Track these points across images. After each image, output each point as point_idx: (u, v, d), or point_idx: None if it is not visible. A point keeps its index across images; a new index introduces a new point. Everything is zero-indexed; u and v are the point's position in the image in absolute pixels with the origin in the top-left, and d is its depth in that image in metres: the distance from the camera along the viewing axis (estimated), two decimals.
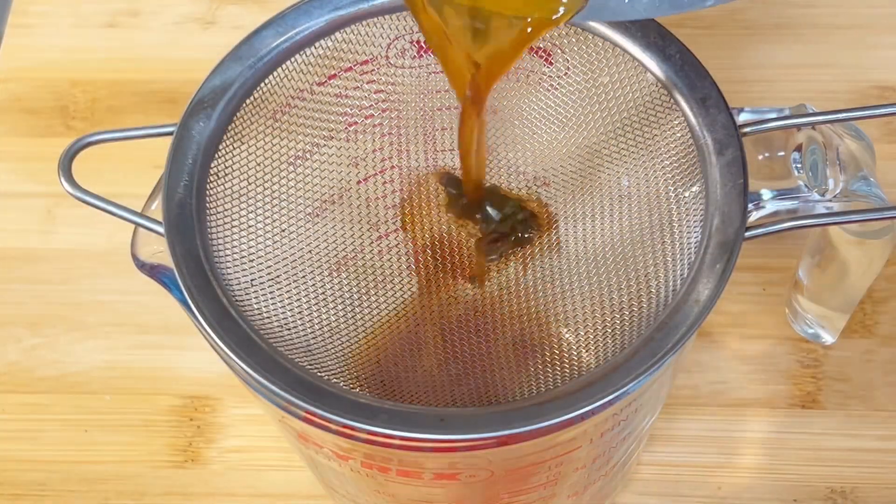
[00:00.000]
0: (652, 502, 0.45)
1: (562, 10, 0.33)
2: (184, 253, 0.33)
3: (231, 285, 0.33)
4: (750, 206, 0.33)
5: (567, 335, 0.37)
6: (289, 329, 0.35)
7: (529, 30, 0.33)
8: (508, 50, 0.34)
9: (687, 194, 0.35)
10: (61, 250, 0.52)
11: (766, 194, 0.35)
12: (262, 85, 0.36)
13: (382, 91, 0.39)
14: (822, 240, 0.41)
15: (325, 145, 0.39)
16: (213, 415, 0.48)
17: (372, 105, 0.39)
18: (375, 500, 0.38)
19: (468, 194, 0.40)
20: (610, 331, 0.36)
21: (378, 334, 0.38)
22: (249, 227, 0.36)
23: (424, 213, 0.40)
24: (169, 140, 0.35)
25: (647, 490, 0.46)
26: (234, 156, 0.36)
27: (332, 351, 0.36)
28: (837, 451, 0.46)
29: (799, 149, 0.36)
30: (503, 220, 0.40)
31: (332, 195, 0.39)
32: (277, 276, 0.36)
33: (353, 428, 0.30)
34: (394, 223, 0.40)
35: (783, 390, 0.47)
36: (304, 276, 0.37)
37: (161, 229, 0.33)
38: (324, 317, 0.37)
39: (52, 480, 0.47)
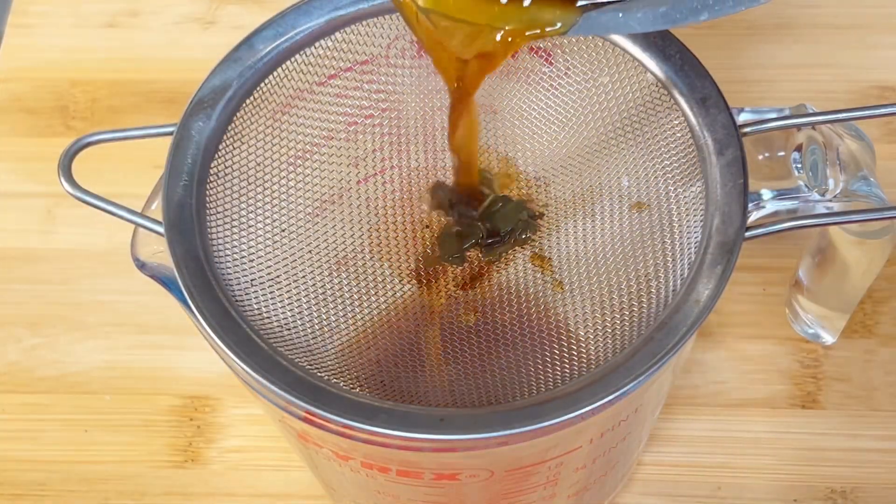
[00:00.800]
0: (652, 502, 0.45)
1: (557, 24, 0.33)
2: (184, 253, 0.33)
3: (231, 285, 0.33)
4: (750, 206, 0.33)
5: (567, 335, 0.37)
6: (289, 329, 0.35)
7: (510, 39, 0.34)
8: (496, 58, 0.34)
9: (687, 194, 0.35)
10: (61, 250, 0.52)
11: (766, 194, 0.35)
12: (262, 85, 0.36)
13: (382, 91, 0.39)
14: (822, 240, 0.41)
15: (325, 145, 0.39)
16: (213, 415, 0.48)
17: (372, 105, 0.39)
18: (375, 501, 0.38)
19: (460, 186, 0.40)
20: (610, 331, 0.36)
21: (378, 334, 0.38)
22: (249, 227, 0.36)
23: (424, 215, 0.40)
24: (169, 140, 0.35)
25: (647, 490, 0.46)
26: (234, 156, 0.36)
27: (332, 351, 0.36)
28: (837, 451, 0.46)
29: (799, 149, 0.36)
30: (503, 221, 0.40)
31: (332, 195, 0.39)
32: (277, 276, 0.36)
33: (352, 428, 0.30)
34: (394, 222, 0.40)
35: (783, 390, 0.47)
36: (303, 276, 0.37)
37: (161, 229, 0.33)
38: (324, 317, 0.37)
39: (52, 480, 0.47)
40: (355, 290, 0.38)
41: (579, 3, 0.33)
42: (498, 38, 0.34)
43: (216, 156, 0.35)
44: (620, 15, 0.33)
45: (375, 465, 0.34)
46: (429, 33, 0.35)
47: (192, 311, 0.32)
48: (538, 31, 0.34)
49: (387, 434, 0.30)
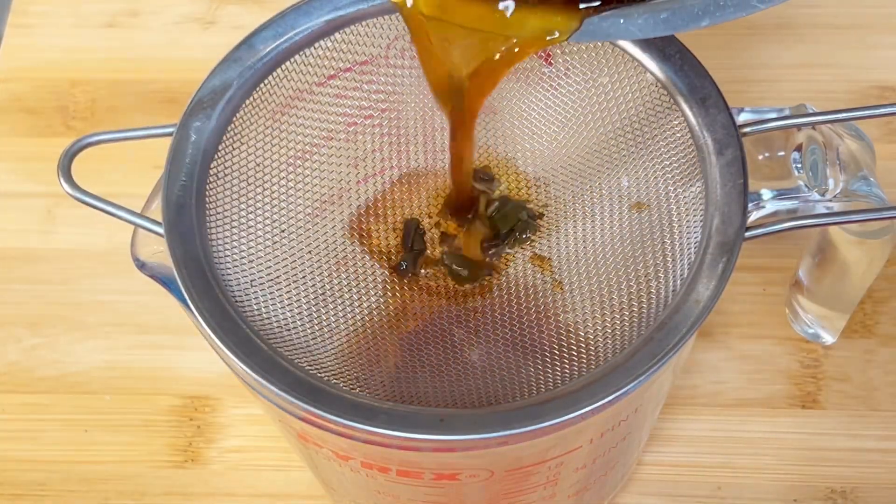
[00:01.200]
0: (652, 502, 0.45)
1: (556, 33, 0.33)
2: (183, 254, 0.33)
3: (231, 286, 0.33)
4: (750, 206, 0.33)
5: (567, 335, 0.37)
6: (288, 329, 0.35)
7: (517, 49, 0.34)
8: (499, 68, 0.35)
9: (687, 194, 0.35)
10: (61, 250, 0.52)
11: (766, 194, 0.35)
12: (262, 85, 0.36)
13: (382, 91, 0.39)
14: (822, 240, 0.41)
15: (324, 145, 0.39)
16: (213, 415, 0.48)
17: (371, 105, 0.39)
18: (375, 501, 0.38)
19: (459, 198, 0.40)
20: (610, 331, 0.36)
21: (378, 335, 0.38)
22: (249, 227, 0.36)
23: (423, 215, 0.40)
24: (169, 140, 0.35)
25: (647, 490, 0.46)
26: (233, 156, 0.36)
27: (332, 351, 0.36)
28: (837, 451, 0.46)
29: (799, 149, 0.36)
30: (503, 221, 0.40)
31: (332, 195, 0.39)
32: (277, 277, 0.36)
33: (352, 428, 0.30)
34: (394, 223, 0.40)
35: (783, 390, 0.47)
36: (303, 277, 0.37)
37: (161, 230, 0.33)
38: (324, 317, 0.37)
39: (52, 480, 0.47)
40: (355, 290, 0.38)
41: (581, 6, 0.33)
42: (503, 48, 0.34)
43: (216, 156, 0.35)
44: (622, 21, 0.33)
45: (375, 465, 0.34)
46: (431, 46, 0.35)
47: (192, 312, 0.32)
48: (541, 38, 0.34)
49: (387, 434, 0.30)
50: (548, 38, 0.34)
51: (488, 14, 0.34)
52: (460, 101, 0.36)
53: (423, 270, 0.39)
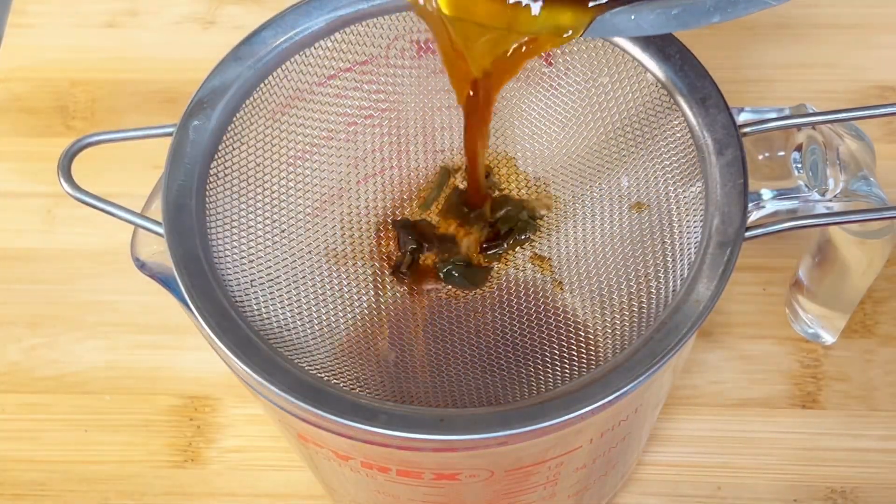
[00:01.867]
0: (652, 502, 0.45)
1: (573, 28, 0.33)
2: (183, 254, 0.33)
3: (231, 286, 0.33)
4: (750, 206, 0.33)
5: (567, 335, 0.37)
6: (288, 329, 0.35)
7: (527, 48, 0.34)
8: (513, 63, 0.35)
9: (687, 194, 0.35)
10: (61, 250, 0.52)
11: (766, 194, 0.35)
12: (262, 85, 0.36)
13: (382, 91, 0.39)
14: (822, 240, 0.41)
15: (324, 145, 0.39)
16: (213, 415, 0.48)
17: (371, 105, 0.39)
18: (375, 501, 0.38)
19: (472, 194, 0.40)
20: (610, 331, 0.36)
21: (378, 335, 0.38)
22: (249, 227, 0.36)
23: (424, 215, 0.41)
24: (169, 140, 0.35)
25: (647, 490, 0.46)
26: (233, 156, 0.36)
27: (332, 351, 0.36)
28: (837, 451, 0.46)
29: (799, 149, 0.36)
30: (503, 221, 0.40)
31: (332, 195, 0.39)
32: (277, 277, 0.36)
33: (352, 428, 0.30)
34: (392, 223, 0.40)
35: (783, 390, 0.47)
36: (303, 277, 0.37)
37: (161, 230, 0.33)
38: (323, 317, 0.37)
39: (52, 480, 0.47)
40: (355, 290, 0.38)
41: (591, 4, 0.33)
42: (516, 45, 0.34)
43: (216, 156, 0.35)
44: (632, 17, 0.33)
45: (375, 465, 0.34)
46: (449, 43, 0.35)
47: (192, 312, 0.32)
48: (554, 35, 0.34)
49: (387, 434, 0.30)
50: (564, 35, 0.34)
51: (502, 12, 0.34)
52: (477, 93, 0.36)
53: (424, 274, 0.39)
